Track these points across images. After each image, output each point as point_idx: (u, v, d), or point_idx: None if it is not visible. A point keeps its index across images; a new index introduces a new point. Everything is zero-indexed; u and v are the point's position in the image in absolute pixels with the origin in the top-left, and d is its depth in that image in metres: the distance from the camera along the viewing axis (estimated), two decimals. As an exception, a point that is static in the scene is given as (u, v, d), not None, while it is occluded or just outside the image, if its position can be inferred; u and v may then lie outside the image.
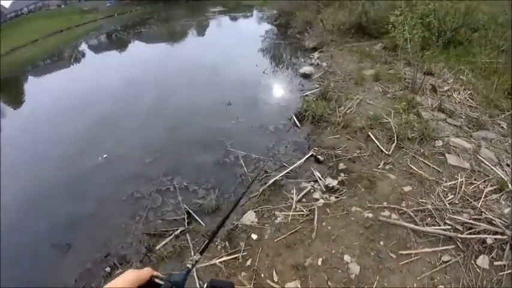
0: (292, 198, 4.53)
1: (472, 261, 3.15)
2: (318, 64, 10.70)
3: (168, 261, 3.97)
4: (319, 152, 5.63)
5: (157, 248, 4.23)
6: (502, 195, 3.91)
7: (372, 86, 7.57)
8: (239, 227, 4.21)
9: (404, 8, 6.80)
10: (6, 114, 12.66)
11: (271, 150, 6.23)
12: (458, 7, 8.70)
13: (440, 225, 3.58)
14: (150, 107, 9.49)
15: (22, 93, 15.59)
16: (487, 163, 4.54)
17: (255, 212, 4.41)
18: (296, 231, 3.91)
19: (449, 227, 3.53)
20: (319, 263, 3.40)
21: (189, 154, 6.53)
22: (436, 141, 5.10)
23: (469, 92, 6.56)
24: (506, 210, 3.61)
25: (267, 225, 4.13)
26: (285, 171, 5.27)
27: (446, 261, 3.18)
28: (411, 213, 3.79)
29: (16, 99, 14.86)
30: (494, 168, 4.41)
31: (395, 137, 5.30)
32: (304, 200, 4.53)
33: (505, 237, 3.22)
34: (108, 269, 4.11)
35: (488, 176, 4.28)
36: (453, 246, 3.33)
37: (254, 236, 3.99)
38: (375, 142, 5.40)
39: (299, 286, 3.24)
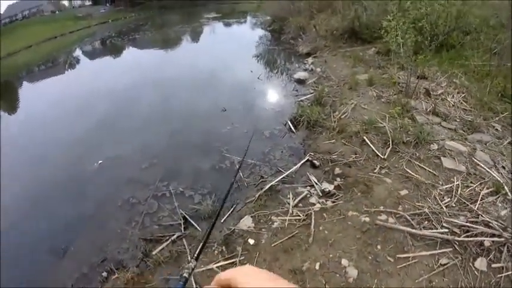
0: (289, 203, 4.51)
1: (470, 264, 3.15)
2: (312, 69, 10.76)
3: (165, 266, 3.93)
4: (315, 157, 5.63)
5: (153, 253, 4.18)
6: (498, 197, 3.93)
7: (366, 91, 7.61)
8: (236, 232, 4.19)
9: (397, 13, 6.87)
10: (1, 119, 12.51)
11: (267, 156, 6.21)
12: (450, 11, 8.78)
13: (437, 229, 3.58)
14: (145, 112, 9.45)
15: (17, 99, 15.49)
16: (482, 166, 4.56)
17: (251, 217, 4.39)
18: (293, 235, 3.90)
19: (447, 230, 3.53)
20: (317, 267, 3.38)
21: (185, 160, 6.50)
22: (431, 145, 5.13)
23: (463, 95, 6.62)
24: (503, 213, 3.63)
25: (263, 230, 4.11)
26: (281, 177, 5.25)
27: (444, 264, 3.18)
28: (408, 217, 3.79)
29: (11, 104, 14.75)
30: (489, 171, 4.43)
31: (391, 141, 5.32)
32: (300, 204, 4.51)
33: (502, 239, 3.23)
34: (104, 274, 4.06)
35: (484, 179, 4.30)
36: (451, 249, 3.33)
37: (251, 241, 3.96)
38: (371, 146, 5.41)
39: (297, 291, 3.21)
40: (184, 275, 0.83)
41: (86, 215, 5.28)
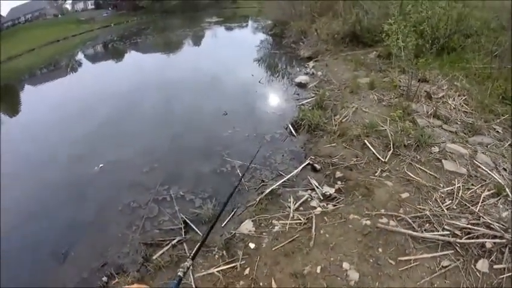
0: (290, 207, 4.51)
1: (472, 266, 3.13)
2: (313, 73, 10.79)
3: (166, 270, 3.93)
4: (315, 161, 5.63)
5: (154, 257, 4.18)
6: (500, 199, 3.91)
7: (367, 94, 7.61)
8: (236, 236, 4.18)
9: (398, 16, 6.88)
10: (2, 122, 12.56)
11: (267, 159, 6.21)
12: (451, 14, 8.80)
13: (438, 231, 3.57)
14: (147, 116, 9.48)
15: (19, 102, 15.58)
16: (483, 168, 4.55)
17: (252, 221, 4.38)
18: (294, 239, 3.88)
19: (448, 232, 3.52)
20: (318, 270, 3.37)
21: (186, 164, 6.49)
22: (433, 148, 5.12)
23: (464, 97, 6.61)
24: (504, 214, 3.61)
25: (264, 234, 4.10)
26: (282, 180, 5.25)
27: (446, 266, 3.16)
28: (409, 220, 3.77)
29: (13, 107, 14.80)
30: (491, 173, 4.42)
31: (392, 145, 5.31)
32: (301, 208, 4.50)
33: (504, 240, 3.22)
34: (105, 279, 4.05)
35: (486, 181, 4.29)
36: (452, 251, 3.31)
37: (252, 245, 3.95)
38: (371, 150, 5.40)
39: (298, 294, 3.21)
40: (179, 273, 0.83)
41: (87, 219, 5.28)
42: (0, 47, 28.64)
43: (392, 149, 5.23)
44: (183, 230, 4.62)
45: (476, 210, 3.74)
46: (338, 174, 5.08)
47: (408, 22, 6.84)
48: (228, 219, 4.65)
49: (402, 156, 5.07)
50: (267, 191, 4.99)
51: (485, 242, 3.26)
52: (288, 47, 16.13)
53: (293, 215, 4.32)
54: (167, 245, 4.39)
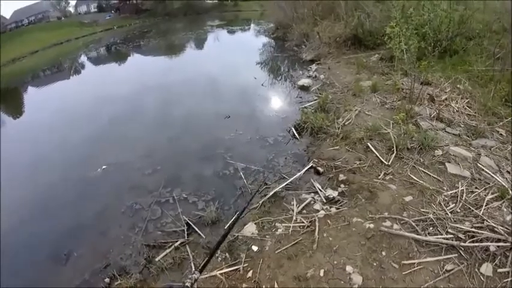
0: (293, 210, 4.50)
1: (476, 269, 3.12)
2: (315, 76, 10.80)
3: (168, 272, 3.93)
4: (318, 164, 5.63)
5: (157, 259, 4.18)
6: (504, 202, 3.89)
7: (369, 97, 7.62)
8: (239, 238, 4.18)
9: (400, 19, 6.89)
10: (5, 123, 12.60)
11: (270, 162, 6.22)
12: (453, 16, 8.80)
13: (442, 234, 3.55)
14: (149, 119, 9.50)
15: (22, 103, 15.65)
16: (487, 171, 4.54)
17: (255, 223, 4.38)
18: (297, 242, 3.88)
19: (452, 235, 3.51)
20: (321, 274, 3.36)
21: (189, 166, 6.50)
22: (436, 151, 5.11)
23: (467, 100, 6.60)
24: (508, 218, 3.59)
25: (267, 236, 4.10)
26: (285, 183, 5.25)
27: (450, 270, 3.15)
28: (413, 223, 3.76)
29: (16, 109, 14.85)
30: (494, 176, 4.41)
31: (395, 148, 5.30)
32: (304, 211, 4.50)
33: (508, 244, 3.21)
34: (107, 280, 4.06)
35: (489, 184, 4.27)
36: (456, 254, 3.30)
37: (255, 248, 3.95)
38: (375, 153, 5.40)
39: (301, 298, 3.20)
40: (187, 284, 0.84)
41: (89, 221, 5.29)
42: (2, 49, 28.81)
43: (395, 152, 5.22)
44: (185, 232, 4.62)
45: (480, 214, 3.73)
46: (341, 177, 5.07)
47: (410, 25, 6.85)
48: (230, 221, 4.66)
49: (405, 159, 5.06)
50: (270, 193, 5.00)
51: (489, 245, 3.25)
52: (290, 50, 16.17)
53: (296, 218, 4.32)
54: (170, 247, 4.39)
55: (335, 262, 3.48)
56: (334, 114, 7.24)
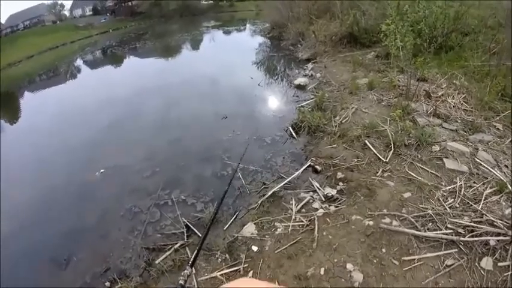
0: (292, 209, 4.50)
1: (476, 264, 3.12)
2: (312, 75, 10.81)
3: (168, 275, 3.92)
4: (316, 162, 5.62)
5: (157, 262, 4.16)
6: (502, 196, 3.90)
7: (366, 95, 7.61)
8: (239, 239, 4.17)
9: (395, 16, 6.89)
10: (4, 129, 12.56)
11: (268, 162, 6.22)
12: (448, 12, 8.81)
13: (441, 230, 3.55)
14: (146, 121, 9.47)
15: (18, 109, 15.60)
16: (485, 165, 4.54)
17: (254, 223, 4.37)
18: (297, 241, 3.87)
19: (451, 230, 3.51)
20: (322, 272, 3.36)
21: (187, 168, 6.49)
22: (433, 147, 5.11)
23: (463, 95, 6.60)
24: (507, 211, 3.60)
25: (267, 236, 4.10)
26: (283, 183, 5.23)
27: (450, 265, 3.15)
28: (412, 219, 3.76)
29: (12, 114, 14.80)
30: (492, 170, 4.41)
31: (392, 144, 5.30)
32: (303, 210, 4.49)
33: (508, 237, 3.21)
34: (107, 284, 4.04)
35: (487, 178, 4.27)
36: (456, 249, 3.30)
37: (254, 248, 3.94)
38: (372, 150, 5.39)
39: (302, 297, 3.20)
40: (180, 282, 0.83)
41: (88, 224, 5.27)
42: (-1, 53, 28.79)
43: (393, 149, 5.22)
44: (185, 234, 4.60)
45: (479, 208, 3.73)
46: (339, 175, 5.07)
47: (406, 22, 6.85)
48: (230, 222, 4.65)
49: (403, 155, 5.06)
50: (269, 193, 4.98)
51: (489, 239, 3.25)
52: (286, 50, 16.17)
53: (295, 217, 4.31)
54: (169, 249, 4.37)
55: (335, 260, 3.47)
56: (331, 112, 7.23)
